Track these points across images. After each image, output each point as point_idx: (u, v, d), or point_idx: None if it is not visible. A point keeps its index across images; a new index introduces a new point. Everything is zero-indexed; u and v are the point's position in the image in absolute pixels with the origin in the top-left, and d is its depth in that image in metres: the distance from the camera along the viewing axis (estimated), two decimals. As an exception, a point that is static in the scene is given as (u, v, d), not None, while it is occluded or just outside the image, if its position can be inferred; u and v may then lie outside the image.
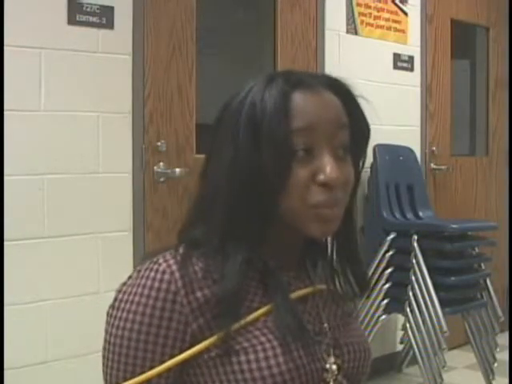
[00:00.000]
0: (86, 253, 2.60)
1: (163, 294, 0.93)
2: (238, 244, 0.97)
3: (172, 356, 0.93)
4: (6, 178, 2.39)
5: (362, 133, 1.05)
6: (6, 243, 2.38)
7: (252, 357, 0.93)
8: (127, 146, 2.73)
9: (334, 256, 1.09)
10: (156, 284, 0.94)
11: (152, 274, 0.95)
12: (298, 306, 1.00)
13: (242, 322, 0.94)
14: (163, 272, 0.95)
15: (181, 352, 0.93)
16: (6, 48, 2.39)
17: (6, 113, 2.39)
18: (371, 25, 3.67)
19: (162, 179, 2.82)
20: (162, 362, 0.93)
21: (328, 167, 0.95)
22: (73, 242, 2.57)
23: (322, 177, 0.95)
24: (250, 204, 0.97)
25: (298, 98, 0.96)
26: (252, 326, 0.95)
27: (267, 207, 0.97)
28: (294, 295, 1.00)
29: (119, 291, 0.98)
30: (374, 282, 3.33)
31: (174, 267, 0.95)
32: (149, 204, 2.80)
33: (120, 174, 2.70)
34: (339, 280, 1.09)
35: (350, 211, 1.05)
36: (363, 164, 1.08)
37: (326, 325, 1.03)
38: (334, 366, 1.00)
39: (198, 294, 0.94)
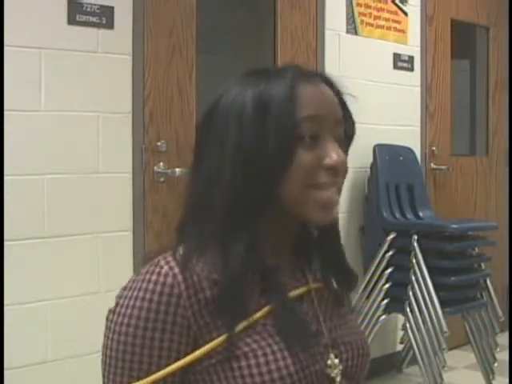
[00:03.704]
0: (86, 253, 2.60)
1: (166, 297, 0.92)
2: (239, 234, 0.97)
3: (177, 359, 0.92)
4: (5, 178, 2.39)
5: (350, 131, 1.07)
6: (5, 243, 2.38)
7: (253, 362, 0.92)
8: (127, 146, 2.73)
9: (320, 255, 1.10)
10: (158, 288, 0.93)
11: (154, 277, 0.94)
12: (297, 307, 1.01)
13: (242, 324, 0.94)
14: (166, 275, 0.94)
15: (185, 355, 0.93)
16: (5, 48, 2.39)
17: (5, 113, 2.39)
18: (371, 25, 3.67)
19: (161, 179, 2.82)
20: (168, 365, 0.92)
21: (334, 152, 0.99)
22: (73, 241, 2.56)
23: (328, 160, 0.98)
24: (253, 191, 0.97)
25: (305, 89, 1.00)
26: (251, 330, 0.95)
27: (269, 195, 0.98)
28: (291, 295, 1.01)
29: (120, 296, 0.97)
30: (373, 281, 3.34)
31: (176, 270, 0.94)
32: (149, 204, 2.80)
33: (120, 174, 2.70)
34: (333, 278, 1.10)
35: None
36: None
37: (323, 324, 1.03)
38: (337, 360, 1.00)
39: (200, 296, 0.94)
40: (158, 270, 0.95)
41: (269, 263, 0.99)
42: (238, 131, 0.98)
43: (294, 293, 1.01)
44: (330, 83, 1.05)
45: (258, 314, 0.96)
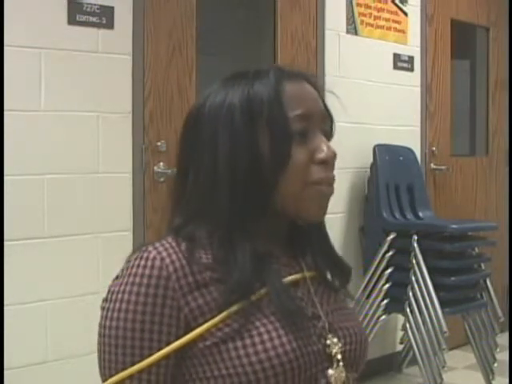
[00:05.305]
0: (86, 253, 2.60)
1: (155, 280, 0.94)
2: (242, 233, 0.99)
3: (169, 343, 0.93)
4: (5, 178, 2.39)
5: (331, 128, 1.09)
6: (5, 243, 2.38)
7: (248, 341, 0.93)
8: (127, 146, 2.73)
9: (311, 250, 1.11)
10: (147, 271, 0.95)
11: (142, 262, 0.96)
12: (292, 291, 1.02)
13: (237, 306, 0.94)
14: (153, 259, 0.95)
15: (177, 338, 0.93)
16: (5, 48, 2.39)
17: (5, 113, 2.39)
18: (371, 25, 3.67)
19: (161, 179, 2.82)
20: (160, 349, 0.93)
21: (324, 146, 1.01)
22: (73, 242, 2.57)
23: (320, 155, 1.01)
24: (250, 192, 0.99)
25: (290, 88, 1.02)
26: (246, 311, 0.95)
27: (266, 195, 0.99)
28: (286, 280, 1.02)
29: (112, 285, 1.00)
30: (373, 282, 3.34)
31: (164, 254, 0.96)
32: (149, 204, 2.80)
33: (120, 174, 2.70)
34: (327, 272, 1.11)
35: None
36: None
37: (319, 309, 1.04)
38: (335, 339, 1.01)
39: (190, 279, 0.95)
40: (146, 255, 0.96)
41: (260, 249, 1.01)
42: (229, 137, 1.00)
43: (288, 278, 1.03)
44: (311, 82, 1.06)
45: (253, 297, 0.96)
